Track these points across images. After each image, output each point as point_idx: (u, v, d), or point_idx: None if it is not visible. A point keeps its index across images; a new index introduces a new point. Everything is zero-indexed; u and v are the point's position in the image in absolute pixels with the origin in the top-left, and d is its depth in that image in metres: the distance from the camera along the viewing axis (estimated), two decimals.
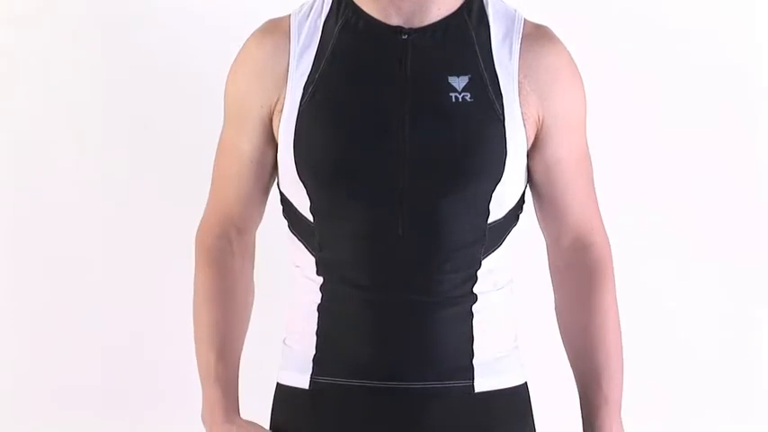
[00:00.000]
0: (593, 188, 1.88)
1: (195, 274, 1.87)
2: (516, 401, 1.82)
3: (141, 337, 2.58)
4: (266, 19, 1.87)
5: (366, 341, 1.75)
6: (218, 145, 1.88)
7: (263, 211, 1.88)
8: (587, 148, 1.87)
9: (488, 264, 1.78)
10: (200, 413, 1.85)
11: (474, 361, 1.77)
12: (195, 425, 1.87)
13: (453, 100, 1.74)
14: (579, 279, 1.87)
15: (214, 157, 1.90)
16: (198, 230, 1.89)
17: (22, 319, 2.56)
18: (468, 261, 1.76)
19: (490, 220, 1.76)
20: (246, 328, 1.88)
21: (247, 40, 1.85)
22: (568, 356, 1.90)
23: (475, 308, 1.77)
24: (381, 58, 1.75)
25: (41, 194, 2.55)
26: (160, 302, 2.55)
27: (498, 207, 1.77)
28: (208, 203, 1.89)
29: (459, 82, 1.75)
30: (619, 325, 1.88)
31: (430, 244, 1.74)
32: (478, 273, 1.77)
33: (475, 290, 1.77)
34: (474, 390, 1.76)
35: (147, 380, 2.58)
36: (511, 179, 1.76)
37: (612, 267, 1.89)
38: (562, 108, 1.80)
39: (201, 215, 1.91)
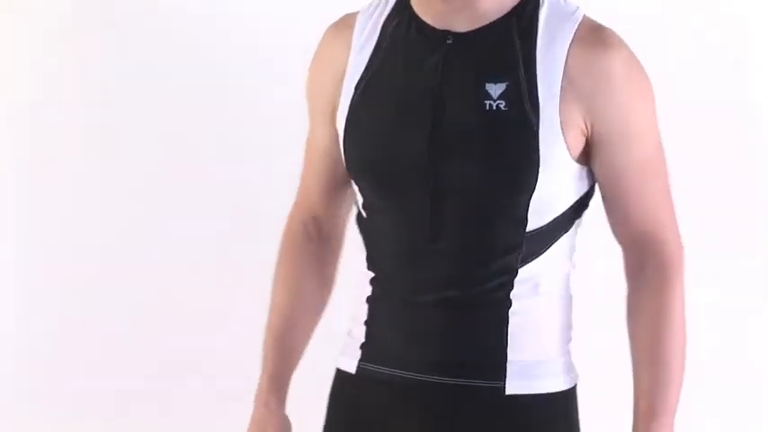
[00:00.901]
0: (665, 192, 1.81)
1: (277, 257, 1.93)
2: (555, 408, 1.79)
3: (141, 338, 2.58)
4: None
5: (402, 336, 1.78)
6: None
7: (350, 203, 1.90)
8: (657, 153, 1.80)
9: (527, 271, 1.76)
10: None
11: (507, 363, 1.76)
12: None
13: (487, 108, 1.72)
14: (646, 282, 1.80)
15: None
16: (287, 217, 1.94)
17: (22, 319, 2.56)
18: (501, 268, 1.75)
19: (529, 228, 1.74)
20: (316, 318, 1.92)
21: (323, 34, 1.88)
22: (632, 362, 1.82)
23: (511, 311, 1.76)
24: (425, 61, 1.75)
25: (41, 194, 2.55)
26: (160, 302, 2.56)
27: (538, 216, 1.74)
28: (297, 191, 1.94)
29: (495, 89, 1.73)
30: (684, 331, 1.79)
31: (461, 249, 1.74)
32: (515, 280, 1.76)
33: (511, 296, 1.76)
34: (504, 392, 1.76)
35: (147, 380, 2.58)
36: (549, 188, 1.73)
37: (682, 272, 1.81)
38: (614, 116, 1.74)
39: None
